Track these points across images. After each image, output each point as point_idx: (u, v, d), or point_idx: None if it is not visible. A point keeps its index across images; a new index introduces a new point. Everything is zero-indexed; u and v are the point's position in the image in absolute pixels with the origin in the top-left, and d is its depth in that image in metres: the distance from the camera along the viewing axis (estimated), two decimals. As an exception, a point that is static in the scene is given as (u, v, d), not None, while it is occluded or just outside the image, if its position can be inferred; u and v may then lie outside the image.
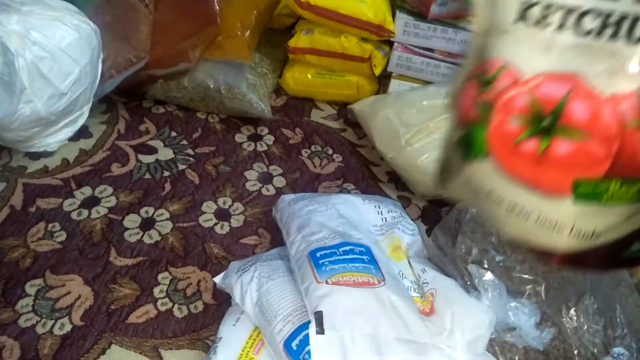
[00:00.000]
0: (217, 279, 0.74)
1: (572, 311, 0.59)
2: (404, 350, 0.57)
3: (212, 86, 1.01)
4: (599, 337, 0.57)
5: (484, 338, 0.58)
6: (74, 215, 0.85)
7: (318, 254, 0.66)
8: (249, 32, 1.04)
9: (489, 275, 0.60)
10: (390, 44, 1.07)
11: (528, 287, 0.62)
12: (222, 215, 0.89)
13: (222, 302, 0.76)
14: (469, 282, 0.66)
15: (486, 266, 0.64)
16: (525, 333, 0.57)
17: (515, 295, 0.61)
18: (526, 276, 0.62)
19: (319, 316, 0.56)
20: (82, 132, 0.98)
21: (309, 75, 1.12)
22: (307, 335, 0.58)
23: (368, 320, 0.57)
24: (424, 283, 0.68)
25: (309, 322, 0.59)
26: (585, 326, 0.58)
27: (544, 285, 0.61)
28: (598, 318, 0.57)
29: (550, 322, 0.59)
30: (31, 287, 0.74)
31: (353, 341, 0.56)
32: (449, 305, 0.64)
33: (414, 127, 0.92)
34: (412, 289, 0.68)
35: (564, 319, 0.58)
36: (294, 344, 0.59)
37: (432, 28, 1.02)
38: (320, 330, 0.55)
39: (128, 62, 0.95)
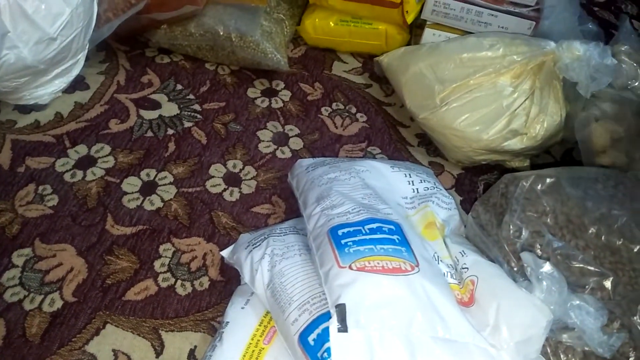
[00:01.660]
0: (225, 253, 0.67)
1: (646, 311, 0.49)
2: (441, 352, 0.48)
3: (221, 33, 0.90)
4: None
5: (538, 340, 0.49)
6: (67, 177, 0.76)
7: (340, 232, 0.57)
8: (264, -30, 0.92)
9: (548, 267, 0.50)
10: (425, -14, 0.94)
11: (591, 280, 0.51)
12: (232, 180, 0.80)
13: (231, 278, 0.68)
14: (516, 269, 0.56)
15: (539, 252, 0.54)
16: (589, 337, 0.47)
17: (575, 289, 0.51)
18: (590, 267, 0.51)
19: (341, 310, 0.47)
20: (78, 84, 0.88)
21: (332, 23, 1.00)
22: (326, 329, 0.49)
23: (400, 315, 0.48)
24: (462, 268, 0.59)
25: (329, 313, 0.50)
26: (662, 329, 0.48)
27: (612, 278, 0.51)
28: (680, 322, 0.47)
29: (619, 323, 0.49)
30: (18, 258, 0.67)
31: (381, 341, 0.47)
32: (493, 296, 0.54)
33: (451, 84, 0.81)
34: (449, 274, 0.59)
35: (637, 321, 0.48)
36: (310, 338, 0.50)
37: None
38: (343, 327, 0.47)
39: (126, 3, 0.83)
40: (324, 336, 0.49)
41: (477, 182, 0.86)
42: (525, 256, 0.52)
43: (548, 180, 0.57)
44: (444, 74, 0.82)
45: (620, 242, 0.52)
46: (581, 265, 0.52)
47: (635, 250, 0.51)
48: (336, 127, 0.92)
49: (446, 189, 0.75)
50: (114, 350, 0.61)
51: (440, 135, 0.83)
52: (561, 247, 0.52)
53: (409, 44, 1.02)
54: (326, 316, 0.50)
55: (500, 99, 0.78)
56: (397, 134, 0.92)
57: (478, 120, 0.78)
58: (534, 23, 0.91)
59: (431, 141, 0.90)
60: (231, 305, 0.61)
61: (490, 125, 0.78)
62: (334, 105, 0.95)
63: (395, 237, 0.56)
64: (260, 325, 0.58)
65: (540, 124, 0.77)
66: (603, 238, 0.53)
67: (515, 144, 0.78)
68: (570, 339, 0.49)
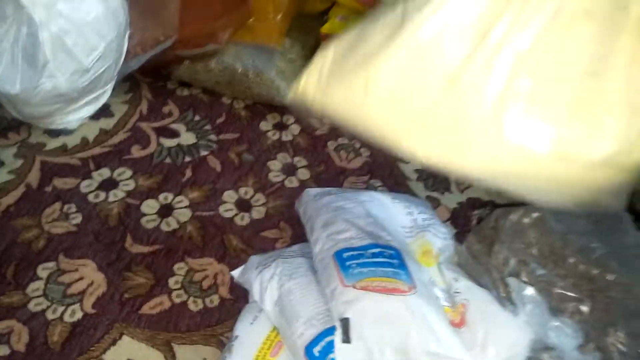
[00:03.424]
0: (236, 273, 0.71)
1: (619, 334, 0.54)
2: (434, 366, 0.53)
3: (239, 70, 0.97)
4: (648, 365, 0.53)
5: (520, 358, 0.53)
6: (90, 197, 0.82)
7: (345, 255, 0.62)
8: (280, 15, 1.00)
9: (530, 290, 0.55)
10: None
11: (570, 304, 0.57)
12: (243, 205, 0.86)
13: (239, 297, 0.73)
14: (504, 295, 0.61)
15: (525, 279, 0.59)
16: (567, 356, 0.52)
17: (555, 313, 0.56)
18: (569, 293, 0.57)
19: (345, 323, 0.52)
20: (104, 111, 0.95)
21: (340, 65, 1.07)
22: (330, 342, 0.54)
23: (398, 331, 0.53)
24: (455, 292, 0.64)
25: (334, 327, 0.55)
26: (635, 352, 0.53)
27: (588, 304, 0.56)
28: (649, 344, 0.52)
29: (594, 345, 0.54)
30: (43, 270, 0.72)
31: (381, 352, 0.52)
32: (482, 318, 0.59)
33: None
34: (443, 297, 0.64)
35: (610, 342, 0.53)
36: (316, 350, 0.55)
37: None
38: (347, 339, 0.51)
39: (155, 40, 0.91)
40: (329, 348, 0.54)
41: (470, 216, 0.91)
42: (511, 281, 0.58)
43: (534, 214, 0.63)
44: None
45: (597, 272, 0.58)
46: (561, 292, 0.57)
47: (610, 279, 0.57)
48: (341, 161, 0.98)
49: (442, 222, 0.80)
50: (129, 360, 0.65)
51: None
52: (544, 275, 0.58)
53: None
54: (330, 330, 0.55)
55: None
56: (398, 169, 0.98)
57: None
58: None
59: (429, 176, 0.96)
60: (240, 321, 0.66)
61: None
62: (339, 140, 1.01)
63: (395, 261, 0.62)
64: (267, 340, 0.62)
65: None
66: (582, 268, 0.58)
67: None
68: (550, 358, 0.54)
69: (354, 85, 0.49)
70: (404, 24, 0.47)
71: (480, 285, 0.64)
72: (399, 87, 0.47)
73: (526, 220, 0.63)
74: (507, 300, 0.60)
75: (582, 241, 0.61)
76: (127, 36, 0.89)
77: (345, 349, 0.51)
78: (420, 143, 0.48)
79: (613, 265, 0.58)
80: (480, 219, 0.89)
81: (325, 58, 0.52)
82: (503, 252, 0.62)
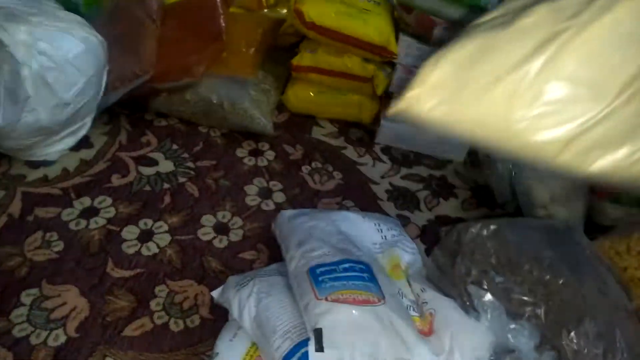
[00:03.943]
0: (215, 294, 0.74)
1: (572, 335, 0.59)
2: (403, 371, 0.57)
3: (215, 101, 1.02)
4: (599, 362, 0.57)
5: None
6: (72, 225, 0.84)
7: (318, 270, 0.66)
8: (253, 49, 1.06)
9: (488, 296, 0.60)
10: (392, 64, 1.09)
11: (527, 309, 0.62)
12: (221, 229, 0.89)
13: (219, 316, 0.75)
14: (468, 303, 0.66)
15: (486, 287, 0.64)
16: (525, 356, 0.57)
17: (515, 317, 0.61)
18: (526, 298, 0.62)
19: (318, 333, 0.56)
20: (83, 142, 0.97)
21: (311, 93, 1.13)
22: (306, 353, 0.57)
23: (368, 339, 0.57)
24: (423, 302, 0.68)
25: (308, 339, 0.58)
26: (586, 350, 0.58)
27: (543, 307, 0.61)
28: (598, 342, 0.57)
29: (550, 345, 0.59)
30: (27, 297, 0.74)
31: (353, 360, 0.55)
32: (448, 325, 0.64)
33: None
34: (412, 308, 0.68)
35: (564, 343, 0.58)
36: (292, 361, 0.58)
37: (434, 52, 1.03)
38: (320, 348, 0.55)
39: (133, 75, 0.95)
40: (304, 359, 0.57)
41: (439, 232, 0.96)
42: (471, 288, 0.62)
43: (492, 227, 0.69)
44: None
45: (549, 277, 0.63)
46: (518, 297, 0.62)
47: (561, 282, 0.62)
48: (315, 183, 1.02)
49: (412, 239, 0.85)
50: (112, 381, 0.67)
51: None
52: (502, 282, 0.63)
53: (379, 112, 1.15)
54: (305, 342, 0.59)
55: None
56: (369, 190, 1.03)
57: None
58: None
59: (399, 196, 1.02)
60: (220, 338, 0.69)
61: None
62: (313, 164, 1.06)
63: (365, 274, 0.66)
64: (247, 355, 0.65)
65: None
66: (535, 274, 0.63)
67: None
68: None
69: (496, 97, 0.51)
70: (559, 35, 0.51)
71: (446, 295, 0.68)
72: (563, 98, 0.51)
73: (484, 232, 0.69)
74: (470, 307, 0.64)
75: (535, 250, 0.66)
76: (105, 71, 0.93)
77: (318, 358, 0.54)
78: (590, 156, 0.51)
79: (563, 269, 0.63)
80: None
81: (440, 71, 0.54)
82: (465, 263, 0.67)
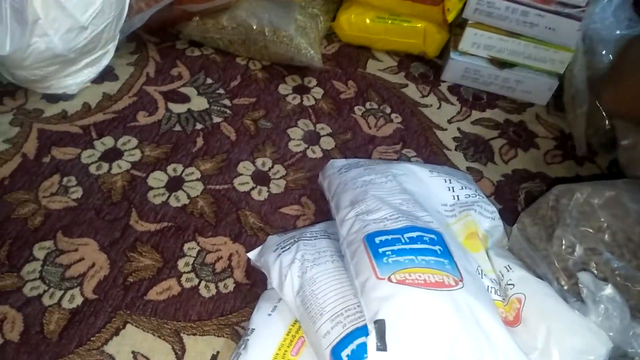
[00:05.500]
0: (252, 255, 0.64)
1: None
2: (486, 376, 0.44)
3: (255, 27, 0.87)
4: None
5: (595, 369, 0.44)
6: (92, 169, 0.74)
7: (377, 240, 0.53)
8: (300, -38, 0.89)
9: (609, 290, 0.45)
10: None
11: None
12: (261, 178, 0.77)
13: (257, 281, 0.65)
14: (567, 288, 0.52)
15: (595, 271, 0.49)
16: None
17: (635, 315, 0.47)
18: (654, 291, 0.47)
19: (380, 326, 0.44)
20: (107, 74, 0.86)
21: (368, 20, 0.97)
22: (361, 345, 0.46)
23: (443, 335, 0.44)
24: (508, 284, 0.55)
25: (365, 327, 0.46)
26: None
27: (679, 304, 0.46)
28: None
29: (686, 355, 0.44)
30: (40, 250, 0.65)
31: (424, 363, 0.43)
32: (542, 317, 0.50)
33: None
34: (493, 290, 0.55)
35: None
36: (344, 354, 0.47)
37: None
38: (382, 346, 0.43)
39: (159, -8, 0.81)
40: (360, 352, 0.45)
41: (518, 191, 0.81)
42: (584, 276, 0.48)
43: (607, 193, 0.53)
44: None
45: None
46: (644, 289, 0.47)
47: None
48: (369, 128, 0.88)
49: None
50: (133, 352, 0.58)
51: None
52: (621, 268, 0.48)
53: (448, 43, 0.98)
54: (362, 330, 0.47)
55: None
56: (434, 137, 0.88)
57: None
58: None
59: (469, 145, 0.86)
60: (257, 311, 0.58)
61: None
62: (367, 105, 0.92)
63: (437, 247, 0.52)
64: (288, 335, 0.54)
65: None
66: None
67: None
68: (631, 371, 0.45)
69: None
70: None
71: (538, 276, 0.54)
72: None
73: (596, 200, 0.53)
74: (571, 295, 0.50)
75: (668, 226, 0.50)
76: (128, -12, 0.79)
77: (381, 358, 0.42)
78: None
79: None
80: (529, 195, 0.79)
81: None
82: (567, 237, 0.52)
